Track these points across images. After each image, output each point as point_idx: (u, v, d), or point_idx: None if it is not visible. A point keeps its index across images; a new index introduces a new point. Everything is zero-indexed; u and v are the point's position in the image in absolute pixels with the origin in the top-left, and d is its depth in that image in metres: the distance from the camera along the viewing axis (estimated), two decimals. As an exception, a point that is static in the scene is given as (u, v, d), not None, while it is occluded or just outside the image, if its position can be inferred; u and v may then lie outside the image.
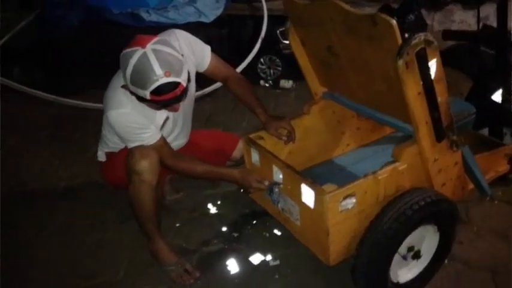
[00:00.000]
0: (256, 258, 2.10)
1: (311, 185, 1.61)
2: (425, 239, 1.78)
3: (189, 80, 1.66)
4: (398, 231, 1.59)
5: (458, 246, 2.11)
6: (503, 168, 2.13)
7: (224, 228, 2.30)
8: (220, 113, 3.51)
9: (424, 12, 4.89)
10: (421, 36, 1.41)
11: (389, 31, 1.41)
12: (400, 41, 1.42)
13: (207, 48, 1.97)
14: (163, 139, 1.86)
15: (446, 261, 2.02)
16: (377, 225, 1.60)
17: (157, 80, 1.51)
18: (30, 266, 2.10)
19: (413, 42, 1.40)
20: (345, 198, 1.57)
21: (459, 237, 2.15)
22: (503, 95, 2.17)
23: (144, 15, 3.62)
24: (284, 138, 1.95)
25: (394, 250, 1.63)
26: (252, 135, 1.99)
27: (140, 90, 1.55)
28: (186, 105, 1.95)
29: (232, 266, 2.08)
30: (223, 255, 2.13)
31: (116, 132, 1.81)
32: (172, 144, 2.02)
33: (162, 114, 1.83)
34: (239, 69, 3.53)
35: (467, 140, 2.19)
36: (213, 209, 2.45)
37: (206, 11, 3.78)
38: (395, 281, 1.76)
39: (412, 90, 1.49)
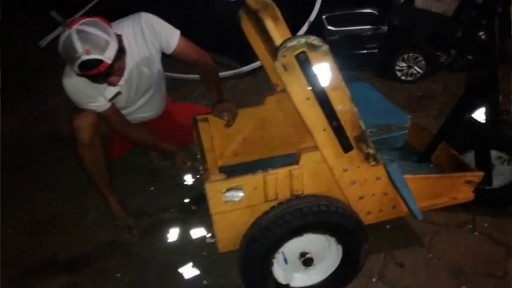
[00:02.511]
0: (197, 233, 2.23)
1: (206, 171, 1.67)
2: (322, 249, 1.72)
3: (118, 58, 1.78)
4: (275, 233, 1.57)
5: (396, 268, 1.99)
6: (463, 196, 1.90)
7: (187, 200, 2.45)
8: (253, 93, 3.57)
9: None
10: (301, 39, 1.36)
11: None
12: (277, 42, 1.38)
13: (175, 33, 2.07)
14: (112, 109, 2.05)
15: (374, 279, 1.93)
16: (258, 223, 1.61)
17: (79, 57, 1.69)
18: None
19: (290, 44, 1.35)
20: (229, 189, 1.60)
21: (404, 260, 2.02)
22: (487, 113, 1.89)
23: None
24: (225, 118, 1.99)
25: (270, 250, 1.62)
26: (199, 117, 2.08)
27: (71, 66, 1.75)
28: (144, 81, 2.10)
29: (173, 234, 2.24)
30: (172, 223, 2.31)
31: (70, 98, 2.05)
32: (136, 116, 2.24)
33: (111, 87, 2.01)
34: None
35: (443, 158, 2.02)
36: (189, 181, 2.60)
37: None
38: (284, 282, 1.74)
39: (297, 94, 1.44)
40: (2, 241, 2.21)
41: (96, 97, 1.97)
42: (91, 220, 2.37)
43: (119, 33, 1.90)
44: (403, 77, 3.65)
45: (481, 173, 1.87)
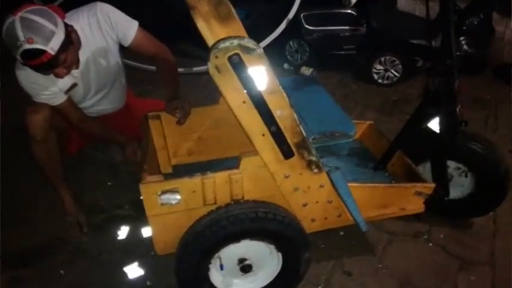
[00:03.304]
0: (148, 231, 2.17)
1: (143, 172, 1.62)
2: (262, 256, 1.68)
3: (63, 50, 1.72)
4: (209, 238, 1.54)
5: (343, 276, 1.96)
6: (413, 207, 1.86)
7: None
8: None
9: (497, 16, 4.24)
10: (233, 40, 1.31)
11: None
12: (209, 42, 1.33)
13: (133, 25, 2.02)
14: (68, 101, 2.01)
15: (320, 287, 1.90)
16: (193, 228, 1.57)
17: (20, 45, 1.63)
18: None
19: (223, 45, 1.30)
20: (165, 192, 1.55)
21: (353, 268, 1.99)
22: (442, 123, 1.85)
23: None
24: (177, 116, 1.94)
25: (205, 256, 1.58)
26: (150, 114, 2.03)
27: (14, 54, 1.69)
28: (102, 74, 2.05)
29: (123, 232, 2.20)
30: (124, 220, 2.26)
31: (24, 90, 2.00)
32: (95, 108, 2.19)
33: (67, 79, 1.96)
34: (262, 44, 3.46)
35: (399, 167, 1.98)
36: (148, 178, 2.55)
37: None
38: (221, 287, 1.71)
39: (232, 97, 1.40)
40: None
41: (47, 87, 1.91)
42: (42, 214, 2.32)
43: (73, 23, 1.85)
44: (380, 80, 3.60)
45: (432, 185, 1.84)
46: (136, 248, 2.10)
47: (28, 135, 1.97)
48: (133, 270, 1.99)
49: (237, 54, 1.32)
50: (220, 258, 1.64)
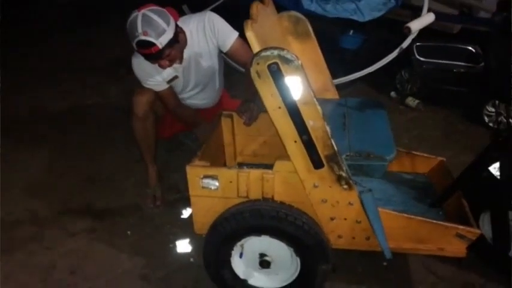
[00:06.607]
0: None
1: (195, 157, 1.85)
2: (282, 257, 1.77)
3: (169, 46, 2.02)
4: (232, 225, 1.69)
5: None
6: (454, 249, 1.76)
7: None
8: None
9: None
10: (274, 51, 1.45)
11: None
12: (255, 50, 1.50)
13: (233, 34, 2.27)
14: (169, 90, 2.36)
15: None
16: (223, 214, 1.74)
17: (137, 36, 1.98)
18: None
19: (264, 54, 1.46)
20: (206, 177, 1.76)
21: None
22: (503, 169, 1.71)
23: (306, 2, 3.95)
24: (243, 118, 2.13)
25: (227, 241, 1.73)
26: (224, 112, 2.26)
27: (131, 42, 2.07)
28: (201, 72, 2.36)
29: (188, 212, 2.46)
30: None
31: (135, 74, 2.39)
32: (190, 101, 2.53)
33: (170, 71, 2.29)
34: (370, 69, 3.49)
35: (453, 207, 1.91)
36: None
37: (365, 11, 3.80)
38: (243, 277, 1.84)
39: (269, 102, 1.53)
40: (59, 181, 2.70)
41: (153, 76, 2.27)
42: (132, 183, 2.72)
43: (184, 26, 2.19)
44: (491, 124, 3.33)
45: (476, 231, 1.72)
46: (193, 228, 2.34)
47: (132, 112, 2.36)
48: (183, 246, 2.24)
49: (275, 63, 1.46)
50: (243, 247, 1.78)
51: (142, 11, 2.01)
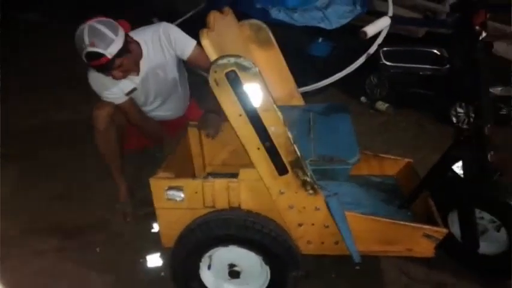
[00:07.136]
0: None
1: (159, 169, 1.83)
2: (252, 267, 1.75)
3: (119, 55, 2.01)
4: (198, 236, 1.67)
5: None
6: (422, 250, 1.76)
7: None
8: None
9: None
10: (230, 58, 1.45)
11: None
12: (212, 58, 1.50)
13: (191, 42, 2.26)
14: (129, 102, 2.33)
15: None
16: (189, 225, 1.71)
17: (85, 48, 1.97)
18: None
19: (221, 62, 1.46)
20: (170, 188, 1.73)
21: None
22: (467, 169, 1.74)
23: (274, 12, 3.98)
24: (205, 131, 2.13)
25: (194, 253, 1.71)
26: (191, 123, 2.25)
27: (81, 56, 2.04)
28: (160, 84, 2.33)
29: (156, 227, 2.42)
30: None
31: (92, 88, 2.35)
32: (155, 114, 2.50)
33: (128, 83, 2.27)
34: (339, 75, 3.53)
35: (421, 208, 1.93)
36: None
37: (332, 18, 3.85)
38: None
39: (230, 110, 1.53)
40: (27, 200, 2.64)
41: (110, 88, 2.24)
42: (102, 199, 2.66)
43: (138, 37, 2.17)
44: (460, 124, 3.38)
45: (443, 230, 1.73)
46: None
47: (93, 127, 2.32)
48: (154, 260, 2.20)
49: (233, 71, 1.46)
50: (211, 258, 1.76)
51: (88, 22, 1.99)
